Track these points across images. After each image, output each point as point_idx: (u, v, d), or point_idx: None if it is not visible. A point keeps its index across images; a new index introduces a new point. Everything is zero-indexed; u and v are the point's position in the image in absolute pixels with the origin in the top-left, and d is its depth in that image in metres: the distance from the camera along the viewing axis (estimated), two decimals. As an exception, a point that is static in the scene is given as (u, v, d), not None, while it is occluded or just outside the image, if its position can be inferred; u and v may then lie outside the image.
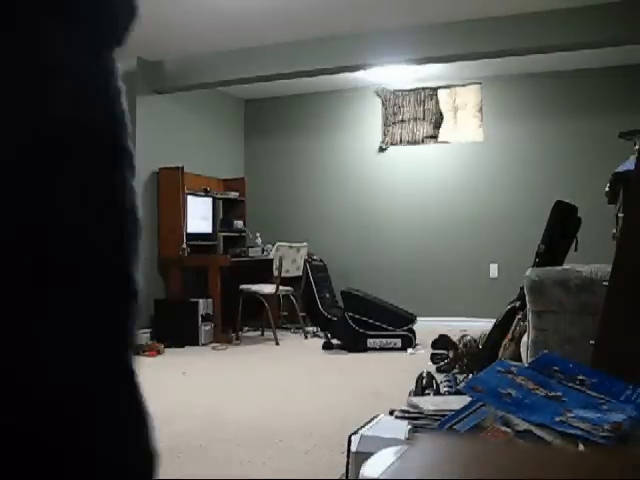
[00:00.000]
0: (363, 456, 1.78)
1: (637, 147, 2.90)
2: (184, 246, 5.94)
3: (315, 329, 6.33)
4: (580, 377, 1.51)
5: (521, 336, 3.36)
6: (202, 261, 6.06)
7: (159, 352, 5.25)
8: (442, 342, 4.56)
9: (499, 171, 6.64)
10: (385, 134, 7.10)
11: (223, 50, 5.71)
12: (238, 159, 7.59)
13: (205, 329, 5.74)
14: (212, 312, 5.80)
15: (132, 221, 0.68)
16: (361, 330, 5.41)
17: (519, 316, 3.62)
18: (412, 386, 3.43)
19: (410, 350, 5.25)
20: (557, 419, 1.31)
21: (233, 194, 7.00)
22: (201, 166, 6.63)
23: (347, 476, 1.97)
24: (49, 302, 0.60)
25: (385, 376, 4.28)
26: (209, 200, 6.62)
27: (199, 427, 3.09)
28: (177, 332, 5.66)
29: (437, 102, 6.94)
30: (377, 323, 5.41)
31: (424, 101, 6.99)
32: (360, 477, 1.66)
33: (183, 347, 5.54)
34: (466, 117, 6.84)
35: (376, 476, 1.56)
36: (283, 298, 6.59)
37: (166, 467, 2.39)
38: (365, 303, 5.57)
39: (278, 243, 6.10)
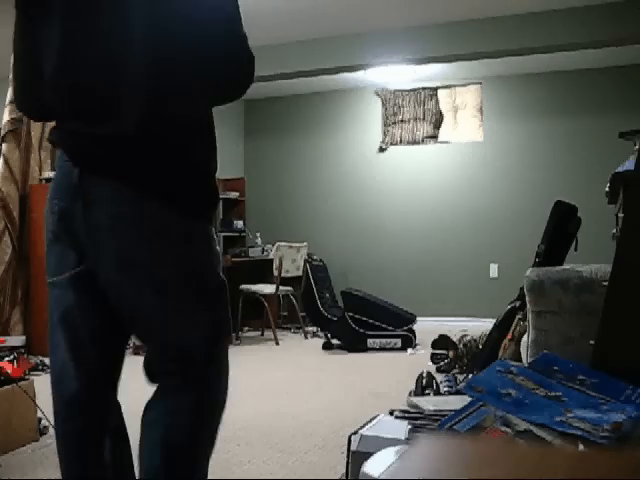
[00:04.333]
0: (363, 456, 1.78)
1: (637, 147, 2.90)
2: (184, 246, 5.93)
3: (315, 329, 6.33)
4: (580, 377, 1.51)
5: (521, 336, 3.36)
6: (202, 261, 6.05)
7: (159, 352, 5.24)
8: (442, 342, 4.55)
9: (499, 171, 6.64)
10: (385, 134, 7.10)
11: (223, 50, 5.70)
12: (238, 159, 7.59)
13: (205, 329, 5.73)
14: (212, 312, 5.79)
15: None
16: (361, 330, 5.40)
17: (519, 316, 3.62)
18: (412, 386, 3.43)
19: (410, 350, 5.24)
20: (557, 419, 1.31)
21: (233, 194, 7.00)
22: (201, 166, 6.62)
23: (347, 476, 1.97)
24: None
25: (385, 376, 4.27)
26: (209, 200, 6.61)
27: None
28: (177, 332, 5.65)
29: (437, 102, 6.94)
30: (377, 323, 5.41)
31: (424, 101, 6.99)
32: (360, 477, 1.65)
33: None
34: (466, 117, 6.84)
35: (376, 476, 1.56)
36: (283, 298, 6.59)
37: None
38: (365, 303, 5.57)
39: (278, 243, 6.10)
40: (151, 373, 1.47)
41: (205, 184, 1.44)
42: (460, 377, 3.82)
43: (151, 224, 1.38)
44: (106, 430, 1.50)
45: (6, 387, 2.70)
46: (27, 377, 3.15)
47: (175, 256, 1.41)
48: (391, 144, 7.07)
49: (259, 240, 6.85)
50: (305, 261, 6.46)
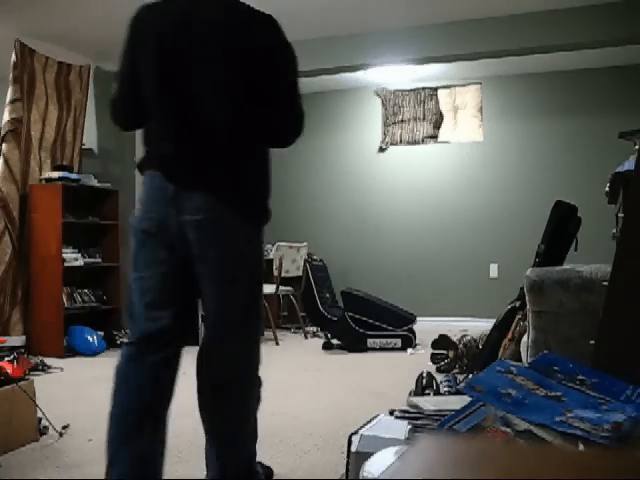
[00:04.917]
0: (363, 456, 1.78)
1: (637, 147, 2.90)
2: (184, 246, 5.94)
3: (315, 329, 6.33)
4: (580, 377, 1.51)
5: (521, 336, 3.36)
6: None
7: (159, 352, 5.24)
8: (442, 342, 4.55)
9: (499, 171, 6.64)
10: (385, 134, 7.10)
11: (223, 50, 5.69)
12: (238, 159, 7.58)
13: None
14: (212, 312, 5.79)
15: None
16: (361, 330, 5.40)
17: (519, 316, 3.62)
18: (412, 386, 3.43)
19: (410, 350, 5.25)
20: (557, 419, 1.31)
21: (233, 194, 6.99)
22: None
23: (347, 476, 1.97)
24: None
25: (385, 376, 4.27)
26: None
27: (199, 427, 3.08)
28: (177, 332, 5.65)
29: (437, 102, 6.94)
30: (377, 323, 5.41)
31: (424, 101, 6.99)
32: (360, 477, 1.66)
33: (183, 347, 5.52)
34: (466, 117, 6.84)
35: (376, 476, 1.56)
36: (283, 298, 6.59)
37: (165, 466, 2.38)
38: (365, 303, 5.57)
39: (278, 243, 6.10)
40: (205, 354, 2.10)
41: (265, 203, 2.01)
42: (460, 377, 3.82)
43: (225, 226, 1.88)
44: (165, 413, 1.99)
45: (6, 387, 2.70)
46: (27, 377, 3.15)
47: (240, 252, 1.94)
48: (391, 144, 7.07)
49: (259, 240, 6.84)
50: (305, 261, 6.46)
